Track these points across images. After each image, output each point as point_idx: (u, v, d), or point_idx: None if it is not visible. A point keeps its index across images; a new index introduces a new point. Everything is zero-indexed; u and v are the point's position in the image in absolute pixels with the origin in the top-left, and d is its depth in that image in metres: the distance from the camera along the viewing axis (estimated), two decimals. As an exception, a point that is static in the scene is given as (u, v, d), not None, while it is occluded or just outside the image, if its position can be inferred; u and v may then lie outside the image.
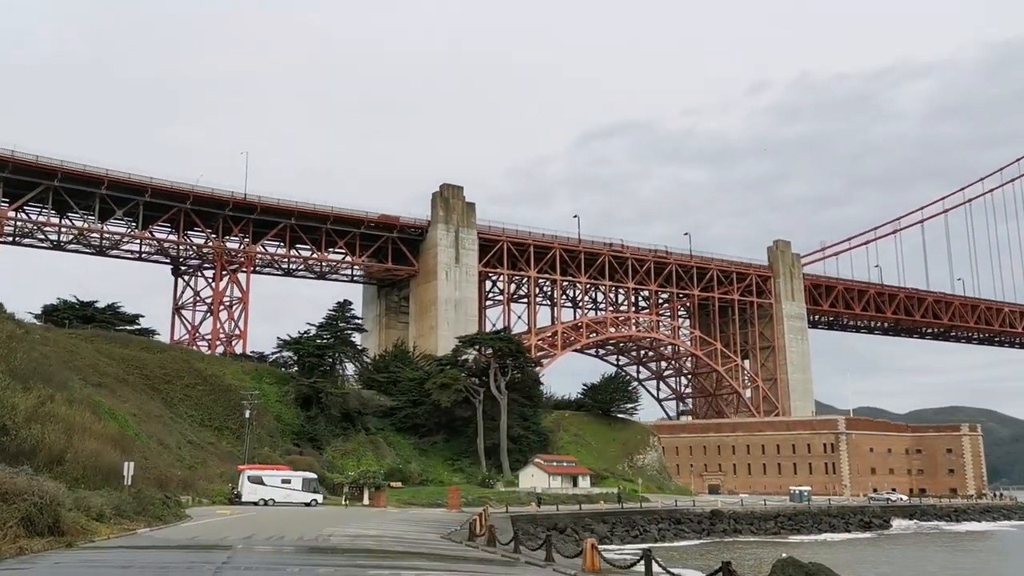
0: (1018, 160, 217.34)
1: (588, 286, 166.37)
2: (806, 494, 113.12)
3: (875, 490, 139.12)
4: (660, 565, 20.52)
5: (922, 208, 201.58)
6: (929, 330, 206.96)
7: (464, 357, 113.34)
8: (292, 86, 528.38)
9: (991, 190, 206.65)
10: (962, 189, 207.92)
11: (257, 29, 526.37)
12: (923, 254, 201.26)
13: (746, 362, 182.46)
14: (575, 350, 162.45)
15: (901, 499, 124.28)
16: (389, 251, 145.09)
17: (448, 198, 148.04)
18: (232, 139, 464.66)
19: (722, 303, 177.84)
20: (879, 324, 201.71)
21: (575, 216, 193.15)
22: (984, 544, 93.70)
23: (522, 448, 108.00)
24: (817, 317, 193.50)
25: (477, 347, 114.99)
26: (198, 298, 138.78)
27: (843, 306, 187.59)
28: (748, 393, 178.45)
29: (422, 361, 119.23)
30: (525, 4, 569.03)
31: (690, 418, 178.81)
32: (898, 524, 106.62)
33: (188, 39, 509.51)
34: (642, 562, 20.84)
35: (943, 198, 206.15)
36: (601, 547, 24.87)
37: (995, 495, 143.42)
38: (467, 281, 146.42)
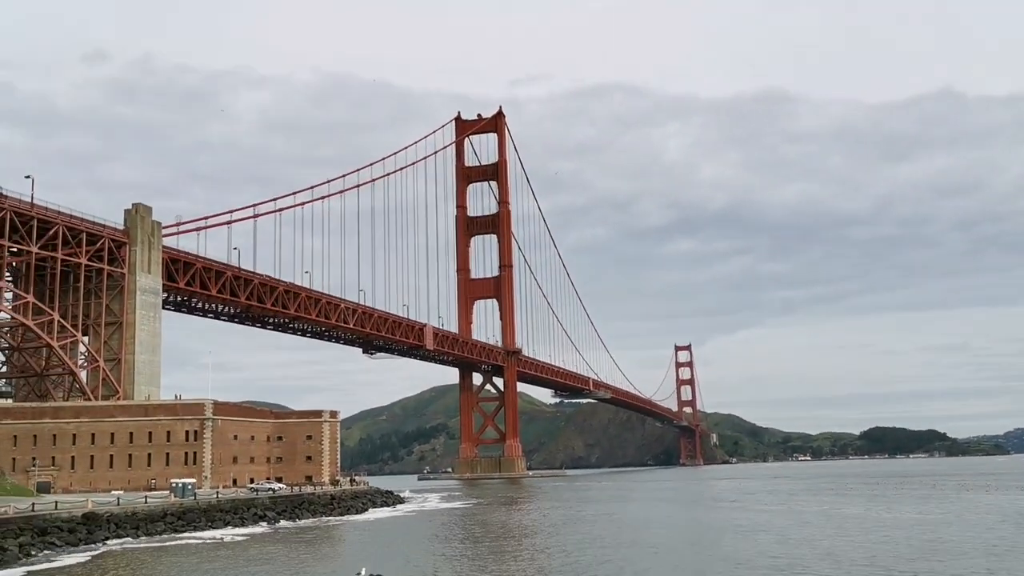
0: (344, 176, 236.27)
1: None
2: (190, 487, 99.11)
3: (235, 480, 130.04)
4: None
5: (276, 199, 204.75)
6: (272, 320, 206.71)
7: None
8: None
9: (321, 197, 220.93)
10: (312, 187, 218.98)
11: None
12: (276, 243, 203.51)
13: (85, 338, 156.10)
14: None
15: (282, 488, 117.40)
16: None
17: None
18: None
19: (65, 267, 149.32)
20: (227, 309, 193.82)
21: None
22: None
23: None
24: (167, 296, 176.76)
25: None
26: None
27: (199, 286, 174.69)
28: (85, 375, 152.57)
29: None
30: None
31: (11, 401, 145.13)
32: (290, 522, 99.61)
33: None
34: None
35: (295, 193, 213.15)
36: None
37: (351, 480, 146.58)
38: None
